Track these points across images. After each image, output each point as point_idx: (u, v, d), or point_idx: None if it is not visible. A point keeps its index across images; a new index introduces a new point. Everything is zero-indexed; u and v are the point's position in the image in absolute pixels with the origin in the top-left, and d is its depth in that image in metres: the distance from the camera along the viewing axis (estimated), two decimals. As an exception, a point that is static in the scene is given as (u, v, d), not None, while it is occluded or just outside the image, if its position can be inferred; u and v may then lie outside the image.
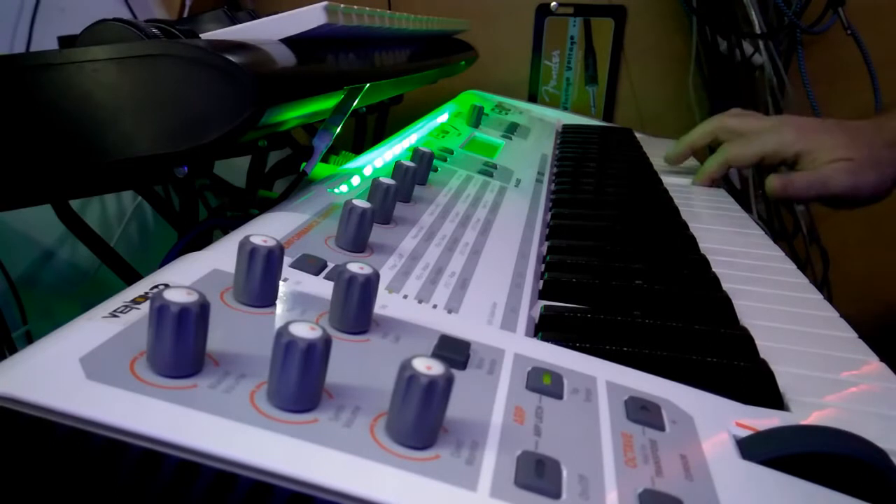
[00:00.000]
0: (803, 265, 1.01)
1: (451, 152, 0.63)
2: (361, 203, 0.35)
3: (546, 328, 0.34)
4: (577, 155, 0.80)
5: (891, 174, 0.66)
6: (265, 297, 0.27)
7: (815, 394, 0.31)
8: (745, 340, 0.35)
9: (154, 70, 0.34)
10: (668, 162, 0.80)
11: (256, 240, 0.26)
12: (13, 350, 0.50)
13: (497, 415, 0.23)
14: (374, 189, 0.40)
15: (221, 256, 0.30)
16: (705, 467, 0.23)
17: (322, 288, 0.30)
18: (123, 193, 0.90)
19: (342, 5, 0.45)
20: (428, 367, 0.20)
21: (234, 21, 0.54)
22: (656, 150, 0.87)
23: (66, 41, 0.44)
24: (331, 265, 0.33)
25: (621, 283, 0.40)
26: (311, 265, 0.32)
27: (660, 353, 0.32)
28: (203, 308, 0.21)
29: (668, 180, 0.72)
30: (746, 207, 0.73)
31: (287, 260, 0.32)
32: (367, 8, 0.52)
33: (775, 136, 0.68)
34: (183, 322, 0.21)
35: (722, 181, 0.76)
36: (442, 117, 0.79)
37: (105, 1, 0.93)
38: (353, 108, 0.51)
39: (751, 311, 0.39)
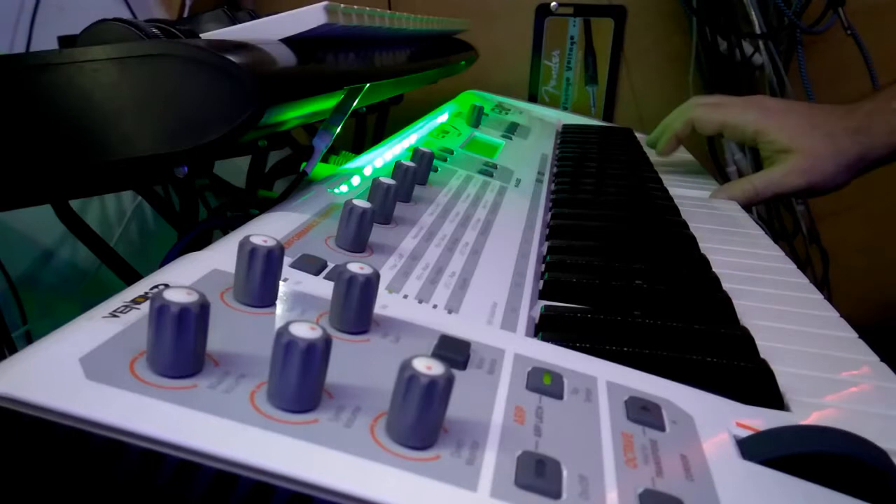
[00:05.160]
0: (803, 265, 1.01)
1: (451, 152, 0.63)
2: (361, 203, 0.35)
3: (546, 328, 0.34)
4: (577, 155, 0.80)
5: (852, 161, 0.64)
6: (265, 297, 0.27)
7: (815, 394, 0.31)
8: (746, 340, 0.35)
9: (154, 70, 0.34)
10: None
11: (256, 240, 0.26)
12: (13, 350, 0.50)
13: (497, 415, 0.23)
14: (375, 189, 0.40)
15: (221, 256, 0.30)
16: (706, 467, 0.23)
17: (322, 288, 0.30)
18: (123, 193, 0.90)
19: (342, 5, 0.45)
20: (428, 367, 0.20)
21: (234, 21, 0.54)
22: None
23: (66, 41, 0.44)
24: (331, 265, 0.33)
25: (621, 283, 0.40)
26: (311, 265, 0.32)
27: (660, 353, 0.32)
28: (203, 308, 0.21)
29: (669, 180, 0.72)
30: (746, 207, 0.73)
31: (287, 260, 0.32)
32: (367, 8, 0.52)
33: (740, 111, 0.70)
34: (183, 322, 0.20)
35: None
36: (442, 117, 0.79)
37: (105, 1, 0.93)
38: (353, 108, 0.51)
39: (751, 311, 0.39)
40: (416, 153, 0.51)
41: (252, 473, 0.19)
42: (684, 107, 0.76)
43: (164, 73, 0.34)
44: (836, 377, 0.33)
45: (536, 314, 0.35)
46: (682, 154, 0.92)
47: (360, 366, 0.24)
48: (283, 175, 0.69)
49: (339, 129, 0.50)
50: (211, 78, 0.33)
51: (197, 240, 0.44)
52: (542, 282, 0.40)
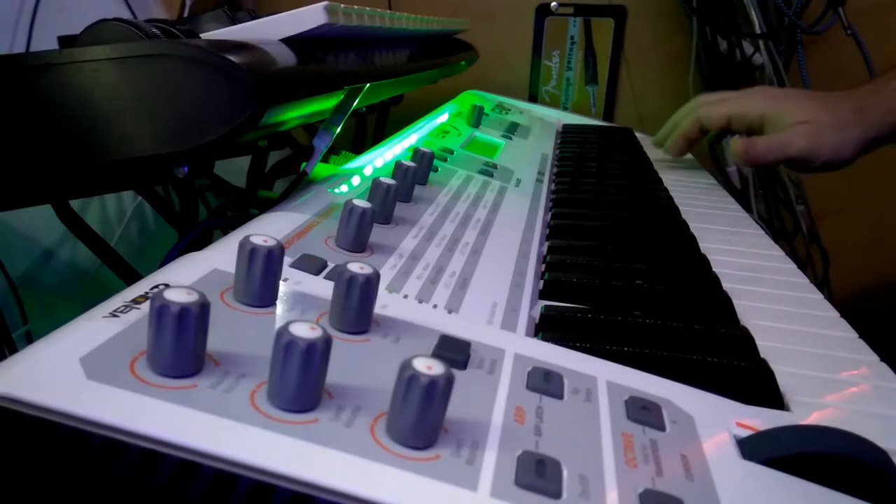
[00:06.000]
0: (803, 265, 1.00)
1: (452, 152, 0.63)
2: (362, 203, 0.35)
3: (546, 328, 0.34)
4: (577, 155, 0.80)
5: (855, 137, 0.67)
6: (265, 297, 0.27)
7: (815, 394, 0.31)
8: (746, 340, 0.35)
9: (154, 70, 0.34)
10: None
11: (256, 240, 0.26)
12: (13, 350, 0.50)
13: (497, 415, 0.23)
14: (375, 189, 0.40)
15: (221, 256, 0.30)
16: (706, 467, 0.23)
17: (322, 288, 0.30)
18: (123, 193, 0.90)
19: (342, 5, 0.45)
20: (428, 366, 0.20)
21: (234, 21, 0.54)
22: (656, 151, 0.87)
23: (66, 41, 0.44)
24: (331, 265, 0.33)
25: (622, 283, 0.40)
26: (312, 265, 0.32)
27: (660, 353, 0.32)
28: (203, 308, 0.21)
29: (669, 180, 0.72)
30: (746, 207, 0.73)
31: (287, 260, 0.32)
32: (367, 8, 0.52)
33: (744, 100, 0.73)
34: (183, 322, 0.20)
35: (717, 177, 0.78)
36: (442, 117, 0.79)
37: (105, 1, 0.93)
38: (353, 108, 0.51)
39: (751, 311, 0.39)
40: (416, 153, 0.51)
41: (252, 473, 0.19)
42: (690, 106, 0.78)
43: (164, 73, 0.34)
44: (836, 377, 0.33)
45: (536, 314, 0.35)
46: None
47: (360, 366, 0.24)
48: (283, 175, 0.68)
49: (339, 129, 0.50)
50: (211, 78, 0.33)
51: (197, 240, 0.44)
52: (542, 282, 0.40)
